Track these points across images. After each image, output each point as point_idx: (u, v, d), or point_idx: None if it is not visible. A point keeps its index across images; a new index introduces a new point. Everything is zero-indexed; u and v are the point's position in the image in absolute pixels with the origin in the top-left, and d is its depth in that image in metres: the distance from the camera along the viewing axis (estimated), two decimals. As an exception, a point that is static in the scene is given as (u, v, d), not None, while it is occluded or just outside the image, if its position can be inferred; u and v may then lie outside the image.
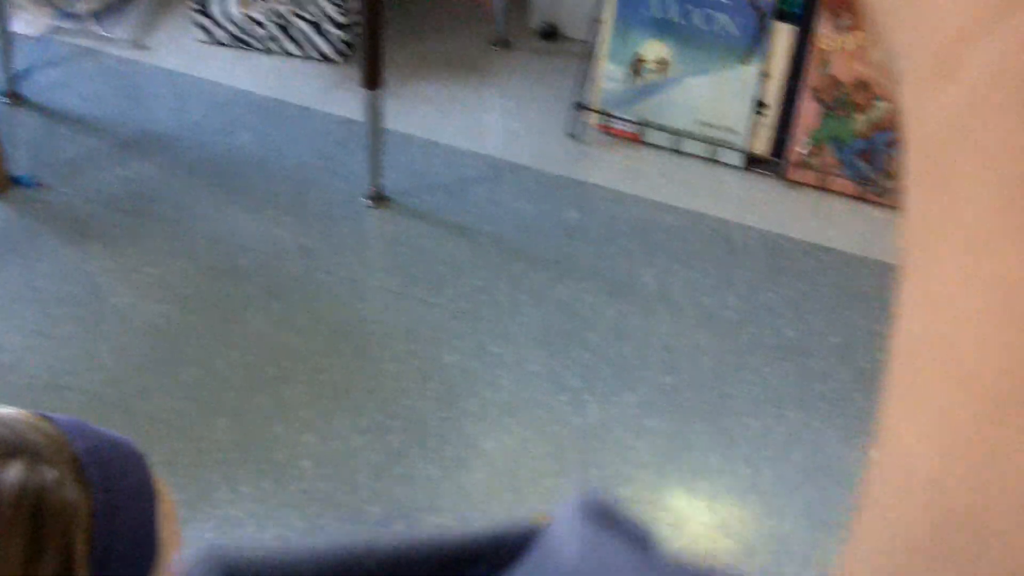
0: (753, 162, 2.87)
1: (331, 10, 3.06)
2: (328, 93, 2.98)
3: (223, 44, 3.14)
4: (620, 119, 2.93)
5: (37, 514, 0.77)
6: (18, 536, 0.75)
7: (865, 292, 2.46)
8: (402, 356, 2.23)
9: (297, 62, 3.09)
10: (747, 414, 2.16)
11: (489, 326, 2.33)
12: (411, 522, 1.92)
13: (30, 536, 0.76)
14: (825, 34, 2.76)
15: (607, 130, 2.95)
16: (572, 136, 2.91)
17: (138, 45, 3.10)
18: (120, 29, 3.14)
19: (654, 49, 2.92)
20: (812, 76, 2.78)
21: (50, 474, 0.79)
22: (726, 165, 2.85)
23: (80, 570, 0.79)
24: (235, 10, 3.09)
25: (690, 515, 1.98)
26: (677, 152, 2.89)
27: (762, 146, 2.85)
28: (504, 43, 3.24)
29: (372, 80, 2.54)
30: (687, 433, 2.12)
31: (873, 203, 2.73)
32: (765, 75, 2.83)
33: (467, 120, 2.94)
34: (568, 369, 2.24)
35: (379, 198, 2.66)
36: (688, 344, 2.31)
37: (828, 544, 1.88)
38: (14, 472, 0.77)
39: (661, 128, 2.90)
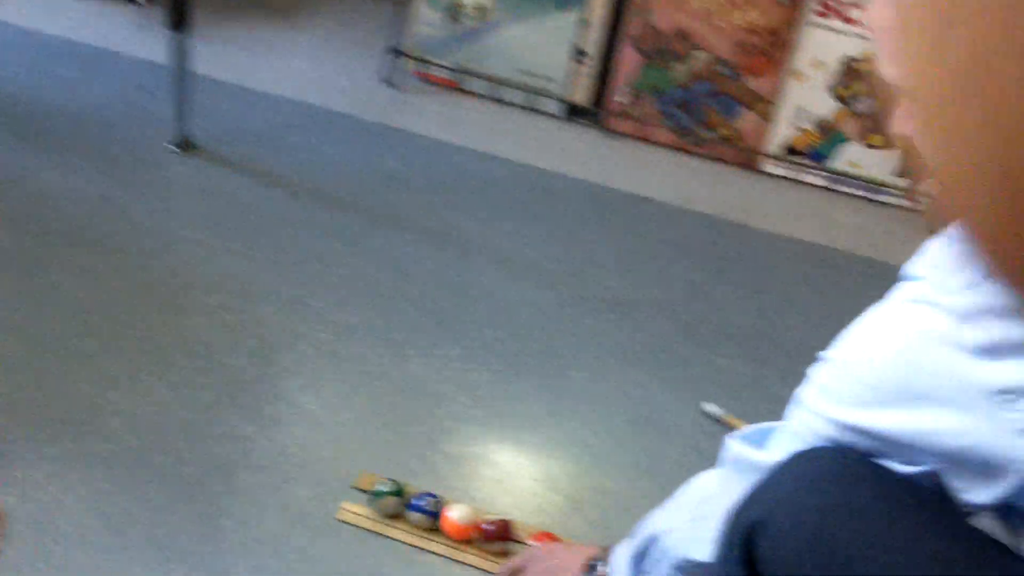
0: (573, 111, 2.83)
1: (134, -53, 2.91)
2: (133, 35, 2.84)
3: (17, -19, 2.96)
4: (438, 65, 2.86)
5: None
6: None
7: (687, 244, 2.45)
8: (214, 310, 2.13)
9: (101, 3, 2.94)
10: (572, 367, 2.13)
11: (305, 278, 2.24)
12: (229, 481, 1.84)
13: None
14: (646, -18, 2.73)
15: (425, 77, 2.88)
16: (388, 83, 2.83)
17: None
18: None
19: (473, -6, 2.85)
20: (632, 25, 2.75)
21: None
22: (546, 114, 2.81)
23: None
24: (30, -55, 2.92)
25: (516, 470, 1.94)
26: (497, 100, 2.84)
27: (582, 95, 2.81)
28: (317, -14, 3.14)
29: (178, 22, 2.42)
30: (512, 386, 2.08)
31: (692, 153, 2.72)
32: (585, 23, 2.79)
33: (280, 65, 2.83)
34: (389, 322, 2.17)
35: (186, 145, 2.54)
36: (512, 296, 2.26)
37: (655, 496, 1.86)
38: None
39: (480, 76, 2.83)
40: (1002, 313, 1.04)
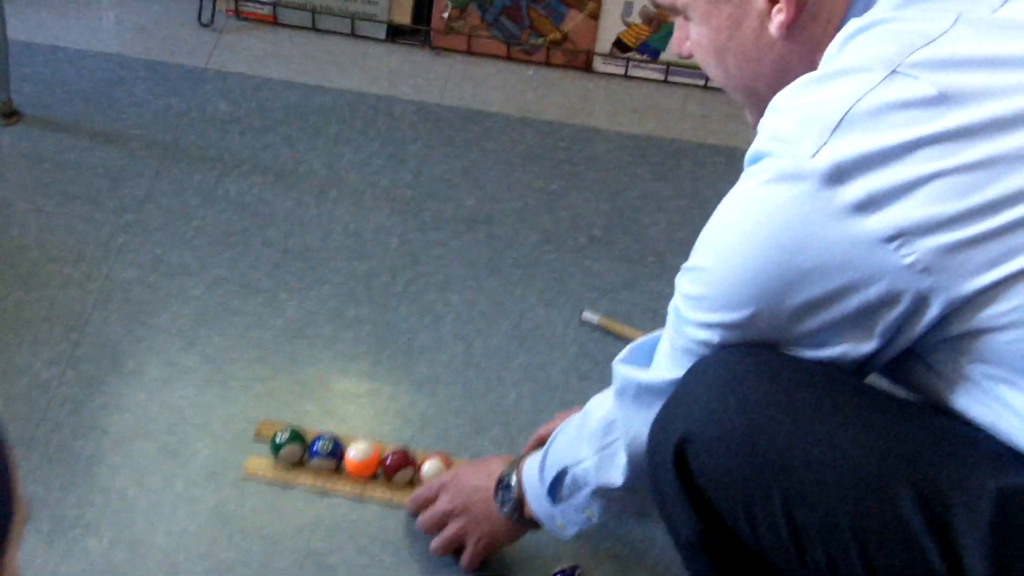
0: (397, 33, 2.80)
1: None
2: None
3: None
4: (254, 1, 2.80)
5: None
6: None
7: (533, 153, 2.46)
8: (76, 279, 2.07)
9: None
10: (447, 289, 2.14)
11: (162, 236, 2.19)
12: (127, 451, 1.81)
13: None
14: None
15: (240, 14, 2.81)
16: (204, 24, 2.75)
17: None
18: None
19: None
20: (449, -61, 2.73)
21: None
22: (371, 39, 2.77)
23: None
24: None
25: (412, 400, 1.95)
26: (316, 30, 2.79)
27: (404, 15, 2.77)
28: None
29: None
30: (391, 317, 2.08)
31: (524, 62, 2.73)
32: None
33: (92, 20, 2.73)
34: (256, 269, 2.14)
35: (11, 114, 2.44)
36: (372, 227, 2.25)
37: (553, 408, 1.90)
38: None
39: (296, 6, 2.78)
40: (864, 163, 1.05)
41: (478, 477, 1.66)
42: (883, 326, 1.10)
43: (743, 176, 1.16)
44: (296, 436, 1.81)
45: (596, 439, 1.45)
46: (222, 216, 2.24)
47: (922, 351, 1.14)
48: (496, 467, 1.65)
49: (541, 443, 1.62)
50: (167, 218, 2.23)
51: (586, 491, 1.49)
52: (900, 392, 1.24)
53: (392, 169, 2.38)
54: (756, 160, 1.14)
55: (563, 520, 1.55)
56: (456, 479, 1.69)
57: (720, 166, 2.38)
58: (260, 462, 1.82)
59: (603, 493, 1.48)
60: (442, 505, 1.67)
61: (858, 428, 1.12)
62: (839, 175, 1.05)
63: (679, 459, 1.19)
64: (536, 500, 1.56)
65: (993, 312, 1.05)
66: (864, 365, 1.17)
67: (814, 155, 1.06)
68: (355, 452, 1.80)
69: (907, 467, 1.08)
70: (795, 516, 1.12)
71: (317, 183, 2.33)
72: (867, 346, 1.13)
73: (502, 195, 2.34)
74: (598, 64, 2.71)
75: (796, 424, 1.13)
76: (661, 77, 2.67)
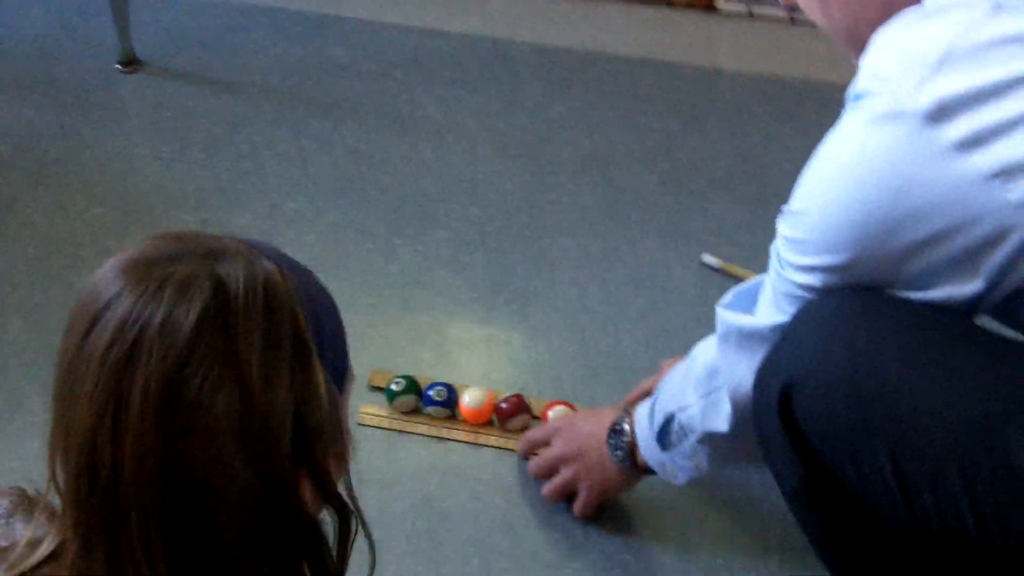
0: (516, -25, 2.77)
1: None
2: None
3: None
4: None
5: (268, 303, 0.81)
6: (256, 327, 0.80)
7: (651, 94, 2.42)
8: (194, 225, 2.08)
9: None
10: (562, 234, 2.11)
11: (278, 182, 2.20)
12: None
13: (266, 325, 0.81)
14: None
15: (359, -41, 2.81)
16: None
17: None
18: None
19: None
20: None
21: (269, 265, 0.83)
22: (489, -19, 2.75)
23: (312, 354, 0.83)
24: None
25: (526, 346, 1.93)
26: (436, -26, 2.77)
27: (522, -42, 2.75)
28: None
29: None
30: (505, 262, 2.05)
31: (643, 2, 2.68)
32: None
33: (212, -34, 2.75)
34: (371, 215, 2.13)
35: (132, 62, 2.47)
36: (488, 171, 2.22)
37: (670, 354, 1.86)
38: (238, 267, 0.81)
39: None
40: (968, 100, 1.02)
41: (592, 423, 1.64)
42: (990, 266, 1.06)
43: (844, 116, 1.12)
44: (412, 385, 1.80)
45: (701, 385, 1.43)
46: (338, 163, 2.24)
47: None
48: (609, 415, 1.63)
49: (646, 394, 1.60)
50: (283, 165, 2.23)
51: (693, 438, 1.47)
52: (1010, 334, 1.19)
53: (509, 113, 2.36)
54: (857, 99, 1.10)
55: (673, 467, 1.53)
56: (570, 425, 1.67)
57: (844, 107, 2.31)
58: (376, 409, 1.81)
59: (709, 440, 1.45)
60: (555, 451, 1.66)
61: (967, 373, 1.08)
62: (942, 113, 1.02)
63: (784, 406, 1.17)
64: (647, 446, 1.54)
65: None
66: (972, 307, 1.13)
67: (916, 93, 1.03)
68: (469, 399, 1.78)
69: (1019, 412, 1.04)
70: (902, 464, 1.08)
71: (433, 129, 2.32)
72: (973, 287, 1.09)
73: (619, 137, 2.30)
74: (721, 3, 2.65)
75: (903, 369, 1.09)
76: (786, 16, 2.60)
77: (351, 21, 2.60)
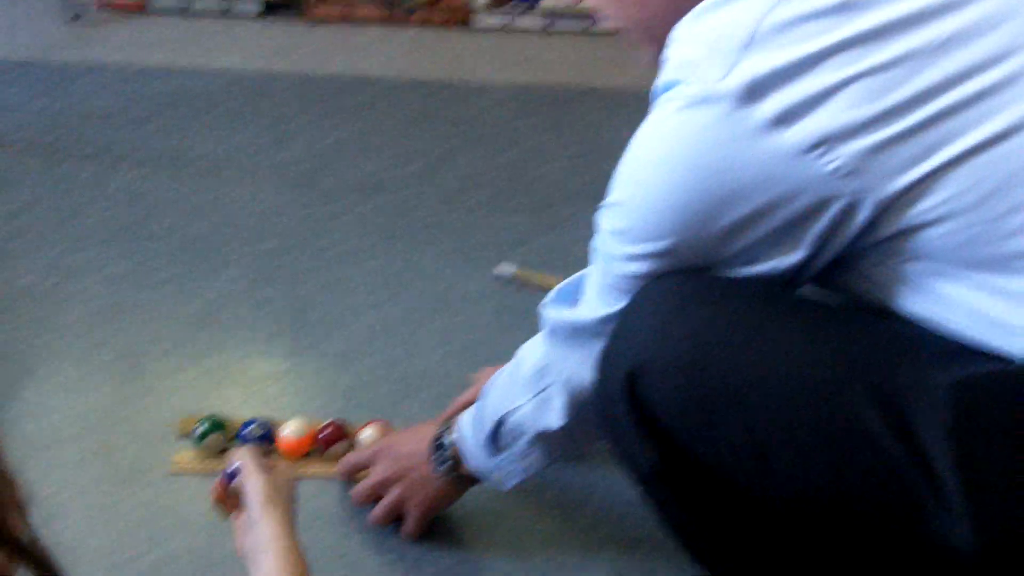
0: (270, 9, 2.76)
1: None
2: None
3: None
4: (119, -10, 2.74)
5: None
6: None
7: (420, 114, 2.44)
8: (-26, 290, 2.02)
9: None
10: (354, 259, 2.11)
11: (54, 238, 2.14)
12: (48, 458, 1.76)
13: None
14: None
15: (109, 6, 2.75)
16: (76, 18, 2.69)
17: None
18: None
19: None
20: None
21: None
22: (244, 17, 2.73)
23: None
24: None
25: (336, 373, 1.92)
26: (187, 14, 2.74)
27: (275, -10, 2.75)
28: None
29: None
30: (302, 292, 2.05)
31: (402, 24, 2.70)
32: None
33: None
34: (157, 260, 2.10)
35: None
36: (271, 204, 2.21)
37: (474, 365, 1.89)
38: None
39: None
40: (777, 77, 1.04)
41: (412, 442, 1.65)
42: (813, 235, 1.10)
43: (654, 107, 1.15)
44: (215, 425, 1.78)
45: (531, 385, 1.44)
46: (116, 211, 2.19)
47: (856, 257, 1.14)
48: (428, 431, 1.63)
49: (467, 405, 1.61)
50: (58, 219, 2.17)
51: (525, 439, 1.48)
52: (840, 301, 1.24)
53: (282, 145, 2.35)
54: (666, 89, 1.13)
55: (502, 472, 1.54)
56: (388, 447, 1.67)
57: (607, 110, 2.39)
58: (187, 456, 1.78)
59: (543, 438, 1.47)
60: (378, 475, 1.65)
61: (807, 339, 1.12)
62: (753, 93, 1.05)
63: (630, 392, 1.18)
64: (473, 455, 1.55)
65: (922, 208, 1.05)
66: (798, 276, 1.17)
67: (726, 76, 1.06)
68: (289, 430, 1.76)
69: (860, 371, 1.08)
70: (755, 435, 1.12)
71: (209, 167, 2.29)
72: (797, 256, 1.13)
73: (395, 160, 2.32)
74: (478, 20, 2.69)
75: (744, 344, 1.12)
76: (543, 27, 2.66)
77: (110, 68, 2.55)
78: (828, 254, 1.13)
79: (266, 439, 1.77)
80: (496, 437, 1.51)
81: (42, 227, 2.15)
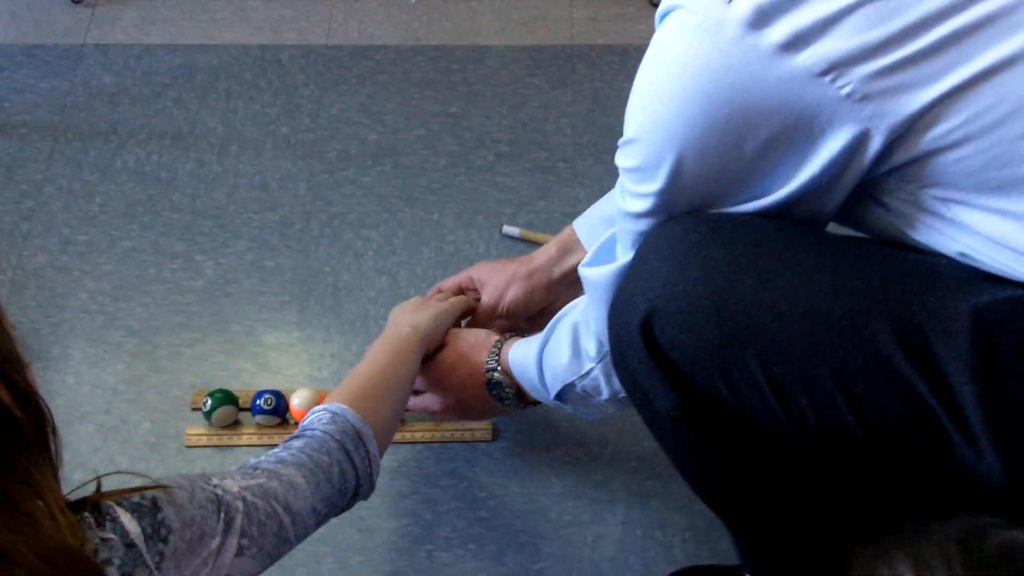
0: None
1: None
2: None
3: None
4: (122, -31, 2.74)
5: None
6: None
7: (428, 79, 2.43)
8: (-13, 273, 2.03)
9: None
10: (363, 226, 2.12)
11: (66, 216, 2.15)
12: (65, 434, 1.78)
13: None
14: None
15: (111, -15, 2.75)
16: (76, 1, 2.69)
17: None
18: None
19: None
20: None
21: None
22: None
23: None
24: None
25: (344, 340, 1.93)
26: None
27: (277, -39, 2.73)
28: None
29: None
30: (311, 262, 2.06)
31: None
32: None
33: (-41, 9, 2.66)
34: (167, 235, 2.11)
35: None
36: (278, 176, 2.22)
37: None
38: None
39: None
40: (784, 2, 1.02)
41: (458, 376, 1.64)
42: (827, 164, 1.08)
43: (657, 33, 1.11)
44: (224, 398, 1.79)
45: (596, 350, 1.43)
46: (124, 188, 2.20)
47: (872, 188, 1.12)
48: (468, 366, 1.63)
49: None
50: (68, 198, 2.18)
51: (601, 398, 1.47)
52: (856, 234, 1.23)
53: (289, 116, 2.35)
54: (666, 15, 1.09)
55: (577, 412, 1.54)
56: (438, 379, 1.67)
57: (614, 65, 2.37)
58: (199, 430, 1.79)
59: (619, 398, 1.45)
60: (436, 406, 1.66)
61: (822, 274, 1.10)
62: (760, 18, 1.02)
63: (647, 337, 1.16)
64: (543, 398, 1.55)
65: (937, 133, 1.03)
66: (815, 211, 1.16)
67: (731, 2, 1.03)
68: (299, 400, 1.78)
69: (878, 303, 1.07)
70: (774, 373, 1.10)
71: (216, 141, 2.30)
72: (814, 188, 1.11)
73: (403, 125, 2.31)
74: (478, -19, 2.68)
75: (760, 281, 1.11)
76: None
77: (113, 48, 2.55)
78: (844, 185, 1.11)
79: (279, 410, 1.78)
80: (566, 395, 1.50)
81: (53, 207, 2.16)
